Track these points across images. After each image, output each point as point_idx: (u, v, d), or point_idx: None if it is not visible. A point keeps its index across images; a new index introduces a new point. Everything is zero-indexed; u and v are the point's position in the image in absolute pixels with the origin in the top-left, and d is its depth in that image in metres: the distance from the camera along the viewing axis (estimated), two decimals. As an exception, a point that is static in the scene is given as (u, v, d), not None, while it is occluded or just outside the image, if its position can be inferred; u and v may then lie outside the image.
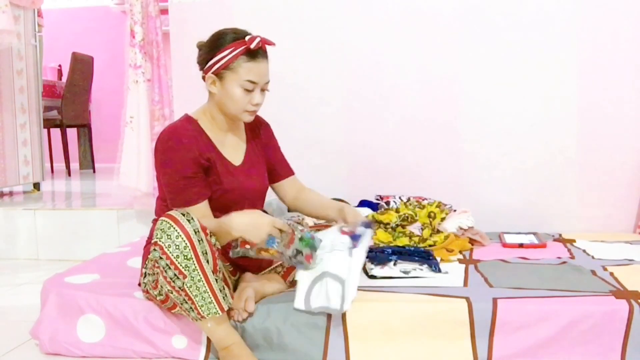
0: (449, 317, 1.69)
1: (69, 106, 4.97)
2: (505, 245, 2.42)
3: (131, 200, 3.14)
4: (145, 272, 1.78)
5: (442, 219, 2.49)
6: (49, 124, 4.80)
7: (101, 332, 1.84)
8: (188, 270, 1.57)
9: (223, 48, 1.77)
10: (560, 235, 2.63)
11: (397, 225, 2.43)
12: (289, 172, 2.08)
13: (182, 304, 1.62)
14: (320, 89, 2.93)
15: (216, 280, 1.63)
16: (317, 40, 2.90)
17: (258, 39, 1.76)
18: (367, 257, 1.96)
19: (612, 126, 2.73)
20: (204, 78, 1.84)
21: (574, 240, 2.51)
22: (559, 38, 2.73)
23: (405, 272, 1.99)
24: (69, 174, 5.05)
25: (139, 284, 1.88)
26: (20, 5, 3.70)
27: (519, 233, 2.57)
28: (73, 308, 1.87)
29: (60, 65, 5.69)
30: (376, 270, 1.98)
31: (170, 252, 1.57)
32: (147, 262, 1.76)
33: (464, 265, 2.10)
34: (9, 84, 3.67)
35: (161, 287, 1.69)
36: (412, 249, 2.19)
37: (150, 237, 1.86)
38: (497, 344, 1.67)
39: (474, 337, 1.68)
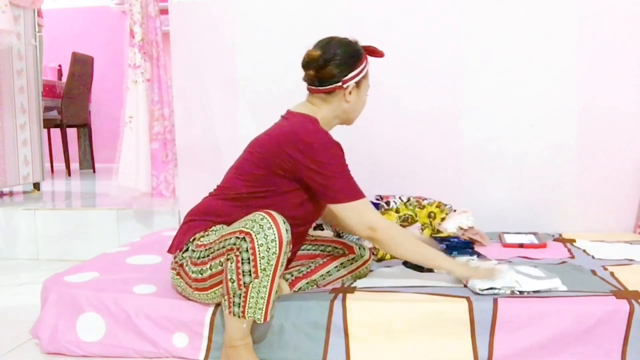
0: (449, 316, 1.69)
1: (69, 106, 4.97)
2: (505, 245, 2.42)
3: (130, 200, 3.14)
4: (188, 247, 1.75)
5: (442, 219, 2.49)
6: (49, 124, 4.80)
7: (101, 330, 1.84)
8: (263, 274, 1.58)
9: (362, 58, 1.85)
10: (560, 235, 2.63)
11: (397, 226, 2.43)
12: None
13: (233, 296, 1.61)
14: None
15: (276, 291, 1.65)
16: (317, 39, 2.89)
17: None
18: None
19: (612, 126, 2.73)
20: (333, 89, 1.83)
21: (574, 240, 2.51)
22: (560, 38, 2.73)
23: None
24: (69, 174, 5.05)
25: (169, 251, 1.83)
26: (20, 5, 3.70)
27: (519, 233, 2.56)
28: (73, 307, 1.87)
29: (60, 65, 5.69)
30: None
31: (259, 251, 1.57)
32: (193, 238, 1.74)
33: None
34: (9, 84, 3.67)
35: (209, 268, 1.67)
36: (455, 240, 2.22)
37: (205, 213, 1.81)
38: (498, 343, 1.67)
39: (475, 337, 1.68)
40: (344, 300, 1.74)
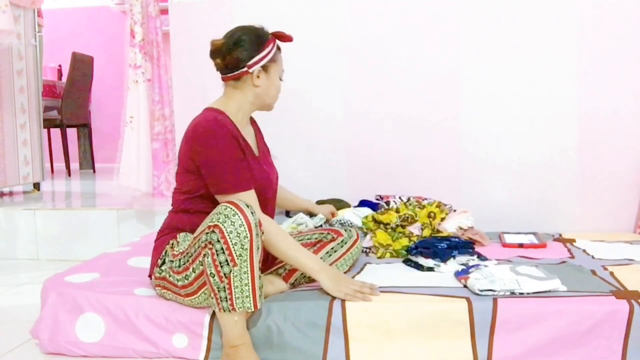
0: (449, 317, 1.69)
1: (69, 106, 4.97)
2: (505, 245, 2.42)
3: (131, 200, 3.14)
4: (164, 260, 1.79)
5: (442, 219, 2.49)
6: (49, 124, 4.80)
7: (101, 331, 1.84)
8: (240, 260, 1.59)
9: (267, 42, 1.86)
10: (560, 235, 2.63)
11: (397, 226, 2.43)
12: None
13: (218, 291, 1.62)
14: (320, 89, 2.92)
15: (259, 277, 1.65)
16: (316, 40, 2.90)
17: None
18: (427, 252, 2.07)
19: (612, 126, 2.73)
20: (241, 75, 1.85)
21: (574, 240, 2.51)
22: (560, 38, 2.73)
23: (465, 265, 2.04)
24: (69, 174, 5.05)
25: (149, 275, 1.88)
26: (20, 5, 3.70)
27: (519, 233, 2.56)
28: (73, 307, 1.87)
29: (60, 65, 5.69)
30: (443, 267, 2.03)
31: (230, 238, 1.58)
32: (165, 251, 1.79)
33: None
34: (9, 84, 3.67)
35: (192, 271, 1.69)
36: (456, 240, 2.22)
37: (166, 229, 1.88)
38: (497, 344, 1.67)
39: (474, 337, 1.68)
40: (343, 300, 1.74)
